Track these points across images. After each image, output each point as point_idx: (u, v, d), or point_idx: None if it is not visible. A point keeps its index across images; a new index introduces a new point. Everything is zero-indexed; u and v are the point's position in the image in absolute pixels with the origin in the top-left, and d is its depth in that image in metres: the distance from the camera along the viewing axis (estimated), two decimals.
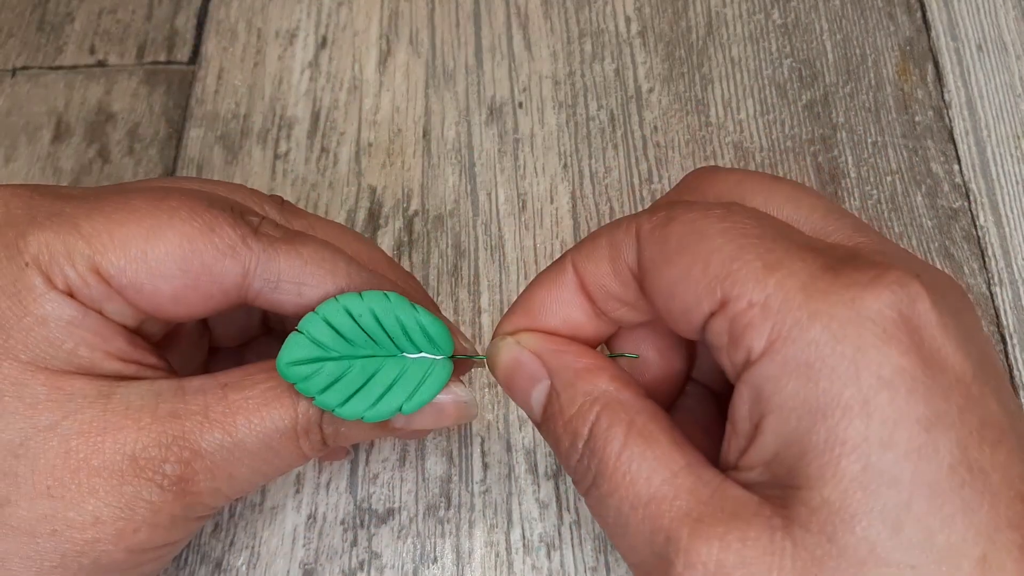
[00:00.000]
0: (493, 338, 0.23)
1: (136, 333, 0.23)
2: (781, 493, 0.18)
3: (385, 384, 0.23)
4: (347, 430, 0.23)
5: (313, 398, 0.22)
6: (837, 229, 0.21)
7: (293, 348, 0.22)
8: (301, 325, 0.22)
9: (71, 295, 0.21)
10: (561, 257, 0.22)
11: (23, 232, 0.21)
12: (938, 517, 0.16)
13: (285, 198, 0.26)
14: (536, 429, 0.23)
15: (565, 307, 0.22)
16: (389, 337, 0.23)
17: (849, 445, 0.17)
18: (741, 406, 0.19)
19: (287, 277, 0.22)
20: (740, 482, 0.19)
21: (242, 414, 0.22)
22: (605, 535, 0.22)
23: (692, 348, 0.24)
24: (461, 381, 0.24)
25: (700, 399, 0.24)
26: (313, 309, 0.22)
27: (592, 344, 0.23)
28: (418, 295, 0.25)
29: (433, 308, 0.25)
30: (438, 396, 0.23)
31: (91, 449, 0.20)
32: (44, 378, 0.21)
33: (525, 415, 0.30)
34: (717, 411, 0.23)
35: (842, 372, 0.17)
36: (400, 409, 0.23)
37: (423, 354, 0.23)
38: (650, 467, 0.19)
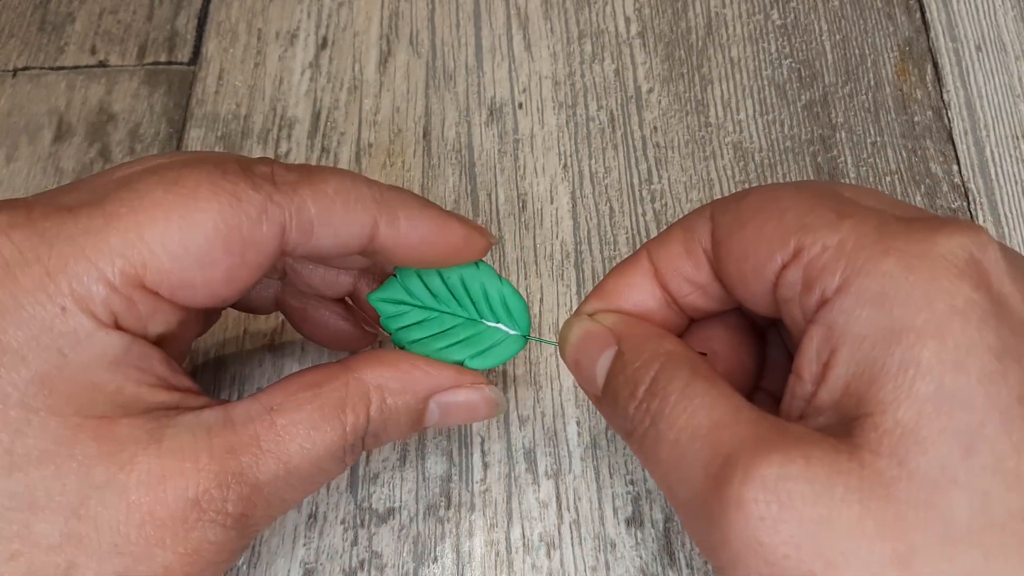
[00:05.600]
0: (568, 319, 0.24)
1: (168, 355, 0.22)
2: (847, 430, 0.17)
3: (458, 338, 0.25)
4: (385, 435, 0.23)
5: (391, 334, 0.25)
6: (907, 212, 0.21)
7: (386, 288, 0.25)
8: (397, 271, 0.25)
9: (116, 325, 0.19)
10: (638, 249, 0.23)
11: (48, 268, 0.18)
12: (1008, 443, 0.16)
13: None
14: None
15: (638, 292, 0.23)
16: (472, 302, 0.25)
17: (924, 367, 0.17)
18: (809, 347, 0.19)
19: (320, 220, 0.21)
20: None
21: (295, 441, 0.21)
22: (654, 480, 0.21)
23: (762, 350, 0.24)
24: (491, 381, 0.25)
25: (767, 407, 0.24)
26: (351, 245, 0.22)
27: None
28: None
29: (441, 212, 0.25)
30: (469, 394, 0.24)
31: (154, 500, 0.20)
32: (92, 430, 0.19)
33: (525, 415, 0.30)
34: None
35: (916, 299, 0.17)
36: (463, 362, 0.24)
37: (500, 325, 0.25)
38: (713, 401, 0.19)
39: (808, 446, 0.17)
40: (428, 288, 0.25)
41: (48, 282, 0.18)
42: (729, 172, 0.34)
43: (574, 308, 0.32)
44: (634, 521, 0.28)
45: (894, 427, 0.17)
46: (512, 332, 0.25)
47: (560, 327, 0.31)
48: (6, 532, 0.19)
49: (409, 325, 0.25)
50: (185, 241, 0.19)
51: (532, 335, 0.25)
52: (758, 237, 0.20)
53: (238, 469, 0.21)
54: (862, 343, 0.18)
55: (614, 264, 0.33)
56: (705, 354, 0.23)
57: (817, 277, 0.18)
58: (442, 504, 0.29)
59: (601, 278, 0.32)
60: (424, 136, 0.36)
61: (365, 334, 0.28)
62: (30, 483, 0.19)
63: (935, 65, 0.36)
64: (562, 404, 0.30)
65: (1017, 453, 0.16)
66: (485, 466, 0.29)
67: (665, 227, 0.33)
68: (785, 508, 0.17)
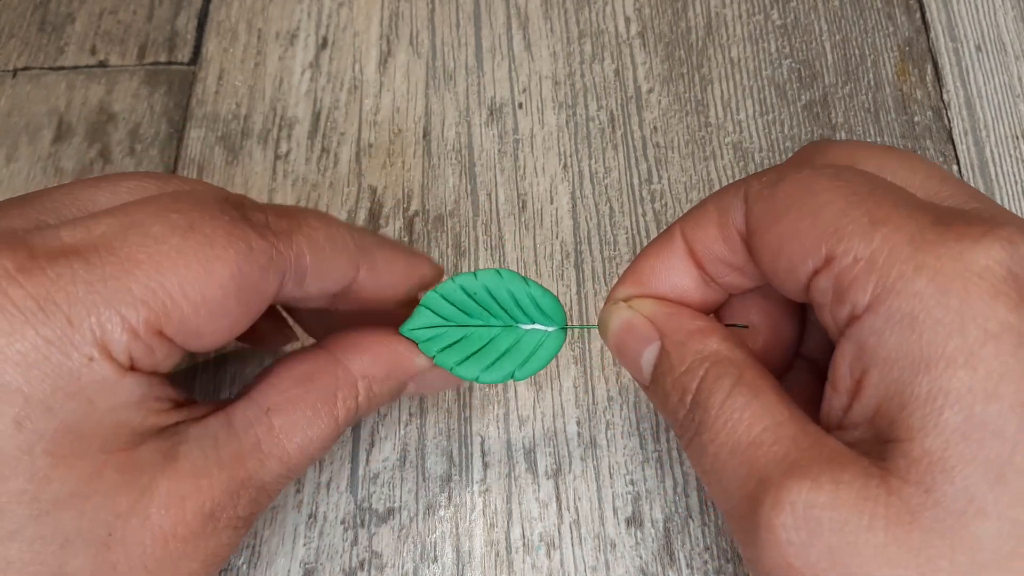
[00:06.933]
0: (604, 305, 0.24)
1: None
2: (880, 449, 0.17)
3: (500, 351, 0.25)
4: (368, 414, 0.24)
5: (432, 357, 0.24)
6: (951, 195, 0.20)
7: (416, 318, 0.24)
8: (424, 301, 0.24)
9: (133, 368, 0.19)
10: (669, 226, 0.23)
11: (69, 317, 0.18)
12: None
13: (281, 200, 0.26)
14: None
15: (674, 274, 0.22)
16: (503, 309, 0.25)
17: (952, 396, 0.16)
18: (842, 363, 0.18)
19: (313, 268, 0.22)
20: (842, 441, 0.18)
21: (293, 441, 0.22)
22: (701, 481, 0.21)
23: (802, 318, 0.24)
24: None
25: (808, 374, 0.24)
26: (330, 291, 0.23)
27: (702, 312, 0.23)
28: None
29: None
30: (444, 370, 0.24)
31: (175, 521, 0.20)
32: (115, 463, 0.20)
33: (525, 415, 0.30)
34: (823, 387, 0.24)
35: (947, 324, 0.17)
36: (512, 375, 0.24)
37: (536, 325, 0.25)
38: (753, 415, 0.19)
39: (839, 470, 0.17)
40: (457, 307, 0.25)
41: (72, 332, 0.18)
42: (729, 172, 0.34)
43: (574, 308, 0.32)
44: (634, 521, 0.28)
45: (921, 456, 0.17)
46: (550, 329, 0.25)
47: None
48: (43, 573, 0.19)
49: (449, 345, 0.24)
50: (204, 290, 0.19)
51: (570, 325, 0.25)
52: (792, 235, 0.19)
53: (246, 476, 0.22)
54: (892, 367, 0.17)
55: (614, 264, 0.33)
56: (746, 326, 0.23)
57: (847, 290, 0.18)
58: (442, 504, 0.29)
59: (601, 278, 0.32)
60: (424, 136, 0.36)
61: (286, 338, 0.29)
62: (59, 524, 0.19)
63: (935, 65, 0.36)
64: (562, 404, 0.30)
65: None
66: (485, 466, 0.29)
67: (665, 227, 0.33)
68: (813, 535, 0.17)
